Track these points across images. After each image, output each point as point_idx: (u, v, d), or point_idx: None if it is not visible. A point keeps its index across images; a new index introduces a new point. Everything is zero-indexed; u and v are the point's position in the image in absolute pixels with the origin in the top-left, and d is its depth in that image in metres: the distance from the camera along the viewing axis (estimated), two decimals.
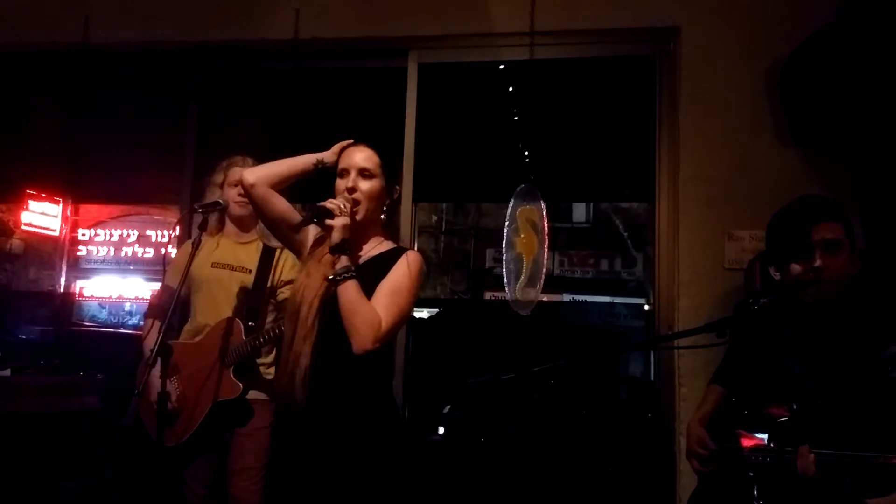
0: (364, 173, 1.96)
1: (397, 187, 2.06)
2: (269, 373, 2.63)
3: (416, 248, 3.75)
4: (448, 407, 10.16)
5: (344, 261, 1.84)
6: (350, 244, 1.88)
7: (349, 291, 1.82)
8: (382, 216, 2.02)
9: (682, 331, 2.62)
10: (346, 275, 1.83)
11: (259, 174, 1.99)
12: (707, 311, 3.02)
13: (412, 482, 1.89)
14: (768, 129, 3.15)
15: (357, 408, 1.84)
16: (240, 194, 2.55)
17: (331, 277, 1.83)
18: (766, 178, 3.08)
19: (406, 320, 1.94)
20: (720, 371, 2.18)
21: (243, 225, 2.72)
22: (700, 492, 2.05)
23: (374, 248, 1.99)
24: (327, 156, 2.02)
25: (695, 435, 2.00)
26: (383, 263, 1.92)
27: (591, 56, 3.52)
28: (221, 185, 2.70)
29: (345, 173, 1.96)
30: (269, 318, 2.64)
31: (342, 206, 1.88)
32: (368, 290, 1.84)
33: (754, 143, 3.14)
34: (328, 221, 1.86)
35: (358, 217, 1.93)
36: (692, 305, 3.09)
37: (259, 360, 2.59)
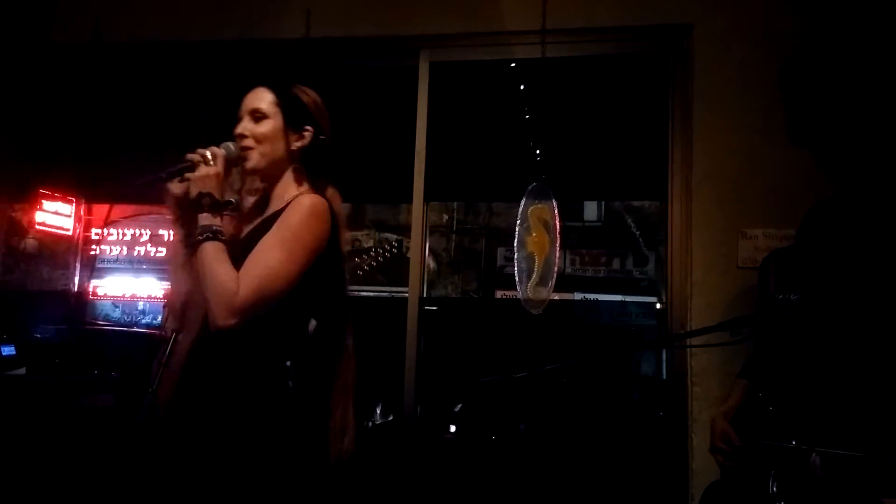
0: (256, 115, 1.68)
1: (308, 129, 1.72)
2: None
3: (427, 247, 3.76)
4: (460, 406, 10.18)
5: (203, 219, 1.55)
6: (218, 199, 1.58)
7: (203, 255, 1.52)
8: (294, 164, 1.71)
9: (695, 329, 2.61)
10: (201, 236, 1.53)
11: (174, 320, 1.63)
12: (720, 310, 3.00)
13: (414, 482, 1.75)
14: (782, 126, 3.12)
15: (233, 405, 1.52)
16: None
17: (187, 240, 1.56)
18: (780, 177, 3.06)
19: (285, 284, 1.53)
20: (747, 365, 2.16)
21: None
22: (717, 486, 2.05)
23: (281, 200, 1.68)
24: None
25: (719, 429, 2.00)
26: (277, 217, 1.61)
27: (603, 54, 3.51)
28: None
29: (238, 120, 1.71)
30: None
31: (206, 156, 1.61)
32: None
33: (768, 140, 3.11)
34: (187, 175, 1.59)
35: (250, 165, 1.66)
36: (705, 304, 3.07)
37: None
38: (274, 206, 1.68)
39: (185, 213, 1.61)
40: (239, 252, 1.56)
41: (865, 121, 2.64)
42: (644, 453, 3.29)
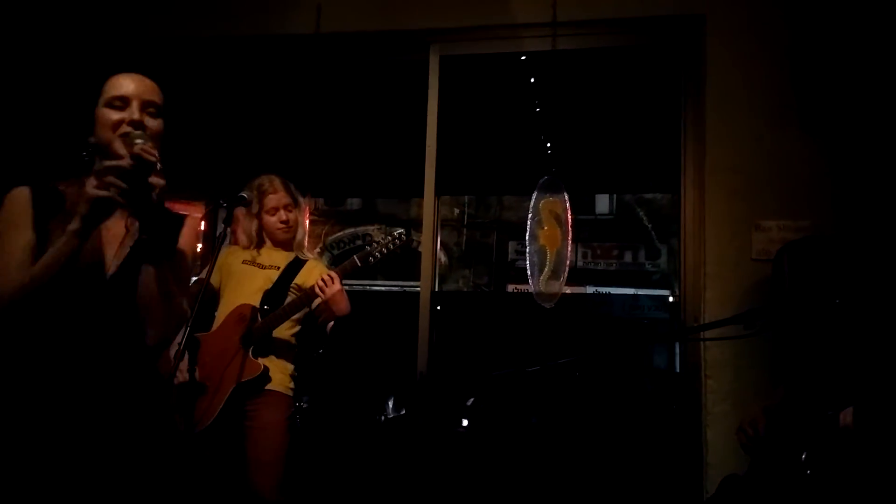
0: (150, 108, 1.59)
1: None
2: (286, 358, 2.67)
3: (438, 242, 3.76)
4: (472, 399, 10.21)
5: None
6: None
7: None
8: None
9: (708, 322, 2.60)
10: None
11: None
12: (734, 303, 2.99)
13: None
14: (796, 117, 3.10)
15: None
16: (282, 221, 2.67)
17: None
18: (795, 168, 3.04)
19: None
20: (784, 371, 2.16)
21: (286, 246, 2.82)
22: (734, 478, 2.04)
23: None
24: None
25: (751, 415, 2.00)
26: None
27: (615, 46, 3.49)
28: (258, 214, 2.77)
29: (120, 102, 1.57)
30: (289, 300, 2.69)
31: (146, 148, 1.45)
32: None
33: (782, 131, 3.09)
34: (154, 180, 1.45)
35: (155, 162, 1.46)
36: (718, 297, 3.06)
37: (276, 335, 2.63)
38: None
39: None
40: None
41: (878, 107, 2.61)
42: (658, 447, 3.29)
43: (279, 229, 2.77)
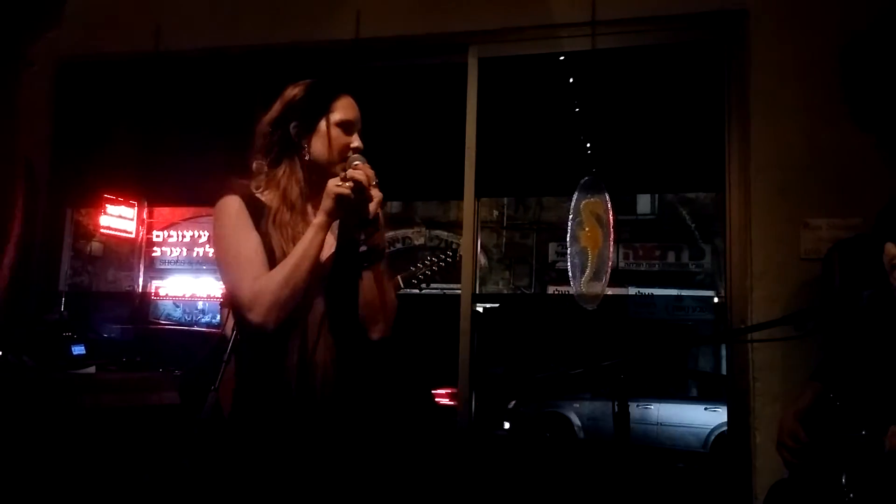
0: (359, 131, 1.71)
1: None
2: None
3: (478, 244, 3.76)
4: (513, 402, 10.18)
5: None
6: None
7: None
8: None
9: (756, 324, 2.55)
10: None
11: (278, 318, 1.54)
12: (782, 303, 2.92)
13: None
14: (845, 112, 3.02)
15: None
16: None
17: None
18: (845, 164, 2.96)
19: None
20: (820, 367, 2.10)
21: None
22: (783, 484, 2.00)
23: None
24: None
25: (787, 427, 1.95)
26: None
27: (655, 43, 3.45)
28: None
29: (349, 127, 1.68)
30: None
31: (368, 174, 1.56)
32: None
33: (831, 127, 3.02)
34: (373, 193, 1.55)
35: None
36: (766, 297, 3.00)
37: None
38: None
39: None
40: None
41: None
42: (706, 451, 3.23)
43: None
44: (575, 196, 3.46)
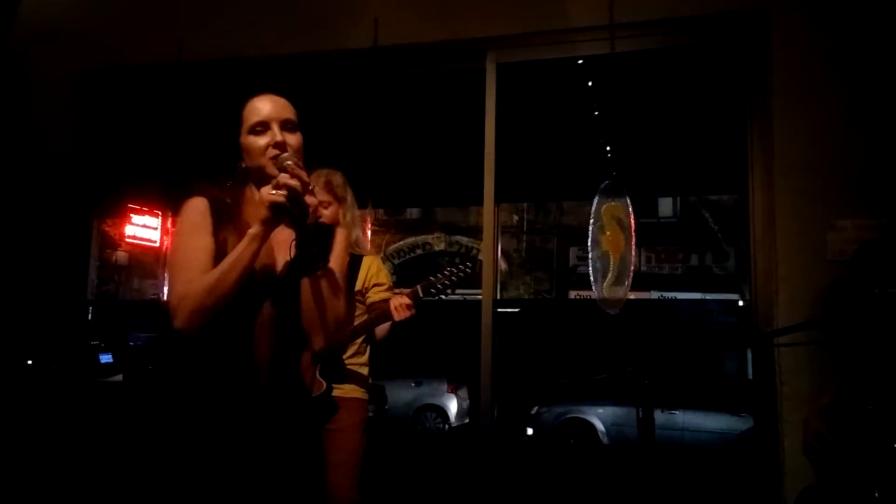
0: (288, 125, 1.68)
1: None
2: (360, 370, 2.71)
3: (498, 250, 3.75)
4: (536, 407, 10.13)
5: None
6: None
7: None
8: None
9: (783, 327, 2.51)
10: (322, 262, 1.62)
11: (201, 318, 1.56)
12: (809, 306, 2.87)
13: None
14: (870, 111, 2.97)
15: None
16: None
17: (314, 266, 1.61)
18: (871, 164, 2.91)
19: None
20: (842, 363, 2.07)
21: None
22: (813, 490, 1.96)
23: None
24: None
25: (813, 429, 1.92)
26: None
27: (675, 45, 3.42)
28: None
29: (260, 128, 1.67)
30: (357, 316, 2.72)
31: (300, 173, 1.55)
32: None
33: (855, 127, 2.97)
34: (309, 199, 1.54)
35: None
36: (792, 300, 2.95)
37: (347, 358, 2.67)
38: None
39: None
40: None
41: None
42: (734, 455, 3.19)
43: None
44: (595, 200, 3.45)
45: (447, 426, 10.78)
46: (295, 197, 1.51)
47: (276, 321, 1.62)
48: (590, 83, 3.62)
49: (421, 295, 2.61)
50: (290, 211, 1.52)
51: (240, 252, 1.54)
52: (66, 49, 4.21)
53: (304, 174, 1.54)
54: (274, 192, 1.51)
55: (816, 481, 1.97)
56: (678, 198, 13.11)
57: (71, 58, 4.20)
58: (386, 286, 2.80)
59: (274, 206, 1.51)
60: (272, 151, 1.63)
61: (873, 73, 2.97)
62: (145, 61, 4.11)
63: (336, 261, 1.67)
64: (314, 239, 1.57)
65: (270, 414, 1.59)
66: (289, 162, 1.56)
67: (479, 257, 3.47)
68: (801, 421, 2.73)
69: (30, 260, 3.86)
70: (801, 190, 3.01)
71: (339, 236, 1.71)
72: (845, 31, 3.03)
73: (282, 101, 1.70)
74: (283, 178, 1.52)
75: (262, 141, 1.65)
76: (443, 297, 2.65)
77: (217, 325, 1.55)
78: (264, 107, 1.68)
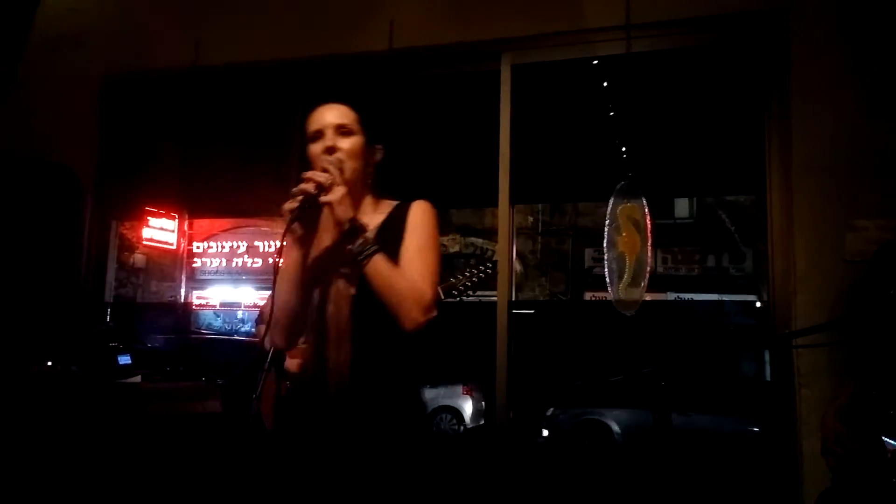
0: (341, 130, 1.73)
1: (380, 147, 1.82)
2: None
3: (513, 251, 3.74)
4: (552, 409, 10.09)
5: (363, 235, 1.60)
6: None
7: (379, 267, 1.59)
8: (370, 180, 1.79)
9: (801, 329, 2.49)
10: (369, 250, 1.59)
11: (284, 334, 1.71)
12: (828, 307, 2.84)
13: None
14: (890, 110, 2.94)
15: (389, 400, 1.65)
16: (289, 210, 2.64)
17: (359, 258, 1.59)
18: (891, 164, 2.88)
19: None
20: (855, 363, 2.04)
21: None
22: (834, 492, 1.94)
23: (372, 213, 1.77)
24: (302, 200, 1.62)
25: (831, 431, 1.90)
26: (394, 227, 1.72)
27: (692, 45, 3.40)
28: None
29: (318, 135, 1.73)
30: None
31: (331, 173, 1.61)
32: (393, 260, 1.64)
33: (875, 126, 2.94)
34: (323, 199, 1.58)
35: (345, 177, 1.66)
36: (811, 301, 2.92)
37: None
38: (370, 216, 1.74)
39: (310, 232, 1.68)
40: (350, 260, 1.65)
41: None
42: (752, 458, 3.17)
43: None
44: (611, 201, 3.44)
45: (462, 428, 10.78)
46: (311, 199, 1.56)
47: (353, 321, 1.68)
48: (605, 84, 3.60)
49: (442, 297, 2.61)
50: (309, 213, 1.57)
51: (282, 261, 1.64)
52: (85, 55, 4.26)
53: (322, 177, 1.58)
54: (290, 201, 1.57)
55: (833, 484, 1.95)
56: (695, 198, 13.02)
57: (90, 63, 4.25)
58: None
59: (292, 213, 1.56)
60: (325, 157, 1.68)
61: (893, 71, 2.94)
62: (164, 67, 4.15)
63: (418, 234, 1.73)
64: (349, 233, 1.61)
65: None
66: (328, 164, 1.63)
67: (495, 258, 3.46)
68: (820, 423, 2.71)
69: (50, 263, 3.90)
70: (819, 190, 2.98)
71: (419, 211, 1.77)
72: (864, 30, 3.00)
73: (337, 108, 1.75)
74: (299, 186, 1.57)
75: (317, 147, 1.71)
76: (462, 298, 2.66)
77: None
78: (319, 115, 1.75)
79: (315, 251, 1.69)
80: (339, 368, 1.62)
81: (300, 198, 1.55)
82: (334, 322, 1.64)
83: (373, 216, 1.74)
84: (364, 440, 1.60)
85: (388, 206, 1.79)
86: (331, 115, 1.74)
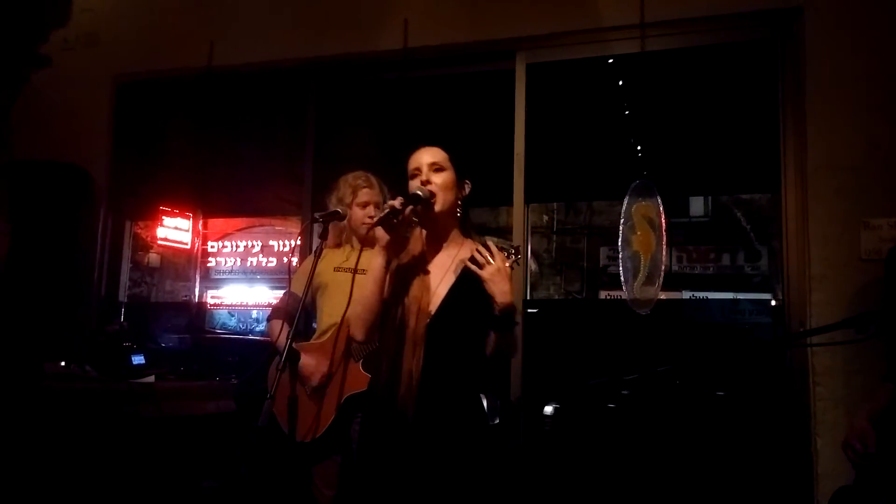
0: (435, 167, 2.00)
1: (468, 182, 2.07)
2: None
3: (529, 250, 3.73)
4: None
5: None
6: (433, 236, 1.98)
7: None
8: (458, 212, 2.04)
9: (816, 327, 2.47)
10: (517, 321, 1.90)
11: (364, 328, 1.98)
12: (843, 306, 2.83)
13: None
14: None
15: (462, 416, 1.86)
16: (369, 216, 2.64)
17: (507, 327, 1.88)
18: None
19: None
20: (892, 368, 2.03)
21: (370, 242, 2.80)
22: (847, 491, 1.93)
23: (457, 248, 2.03)
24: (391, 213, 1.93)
25: (858, 428, 1.89)
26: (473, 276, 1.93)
27: (706, 44, 3.39)
28: (350, 205, 2.77)
29: (416, 172, 2.01)
30: None
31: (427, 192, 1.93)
32: (475, 297, 1.87)
33: (891, 124, 2.92)
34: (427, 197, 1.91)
35: (437, 208, 1.96)
36: (826, 300, 2.91)
37: None
38: (455, 251, 2.02)
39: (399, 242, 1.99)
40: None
41: None
42: (766, 456, 3.15)
43: (364, 224, 2.66)
44: (626, 200, 3.43)
45: None
46: (384, 219, 1.89)
47: (429, 332, 1.91)
48: (620, 82, 3.59)
49: None
50: (400, 226, 1.91)
51: (371, 265, 1.97)
52: (99, 55, 4.30)
53: (395, 202, 1.90)
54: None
55: (851, 484, 1.94)
56: (710, 197, 12.92)
57: (104, 64, 4.29)
58: None
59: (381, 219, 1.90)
60: (420, 187, 1.97)
61: None
62: (178, 68, 4.18)
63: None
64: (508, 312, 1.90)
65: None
66: (418, 192, 1.94)
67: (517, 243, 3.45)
68: (836, 421, 2.69)
69: (64, 263, 3.95)
70: (834, 189, 2.97)
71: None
72: (880, 28, 2.98)
73: (432, 150, 2.04)
74: (388, 202, 1.91)
75: (415, 183, 2.00)
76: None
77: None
78: (417, 156, 2.04)
79: (403, 260, 1.98)
80: (410, 375, 1.82)
81: (381, 216, 1.88)
82: (411, 332, 1.85)
83: (459, 251, 2.00)
84: (435, 442, 1.80)
85: (470, 245, 2.01)
86: (426, 155, 2.02)
